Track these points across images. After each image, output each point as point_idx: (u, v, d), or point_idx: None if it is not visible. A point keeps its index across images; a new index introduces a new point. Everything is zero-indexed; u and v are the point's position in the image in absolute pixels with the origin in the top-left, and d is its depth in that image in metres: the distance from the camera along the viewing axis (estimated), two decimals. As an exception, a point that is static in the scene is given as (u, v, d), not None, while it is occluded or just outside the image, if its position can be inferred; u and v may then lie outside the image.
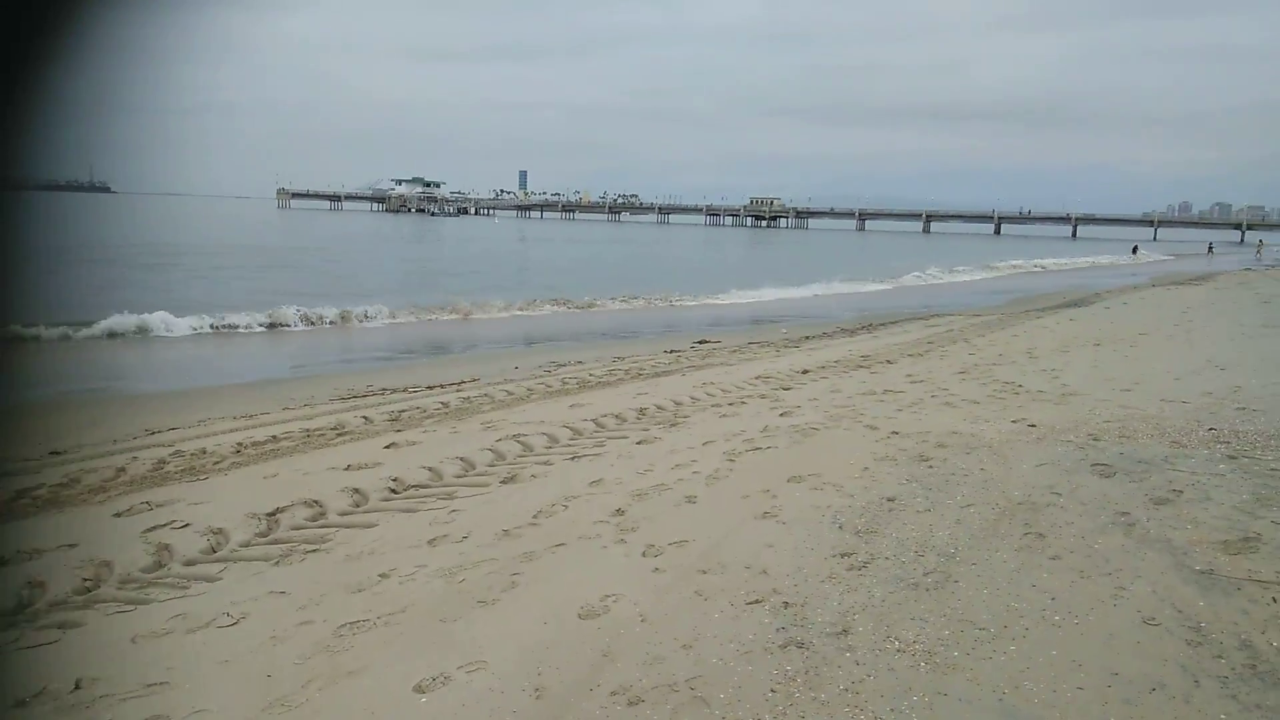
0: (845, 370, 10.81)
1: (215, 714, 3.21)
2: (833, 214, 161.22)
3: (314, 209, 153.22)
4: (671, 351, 13.63)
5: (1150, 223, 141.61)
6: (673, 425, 7.80)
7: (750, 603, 3.92)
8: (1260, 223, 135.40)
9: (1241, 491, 5.06)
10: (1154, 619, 3.61)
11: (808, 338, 15.54)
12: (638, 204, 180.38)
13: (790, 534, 4.78)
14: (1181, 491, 5.13)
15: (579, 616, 3.88)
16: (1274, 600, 3.71)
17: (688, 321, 20.26)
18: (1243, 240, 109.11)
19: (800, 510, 5.15)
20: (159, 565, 4.70)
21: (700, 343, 15.11)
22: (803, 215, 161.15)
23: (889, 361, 11.46)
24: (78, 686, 3.37)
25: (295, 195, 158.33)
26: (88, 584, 4.41)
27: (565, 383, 10.48)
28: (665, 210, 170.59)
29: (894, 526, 4.81)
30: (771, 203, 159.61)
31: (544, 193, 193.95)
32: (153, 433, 7.99)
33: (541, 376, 11.10)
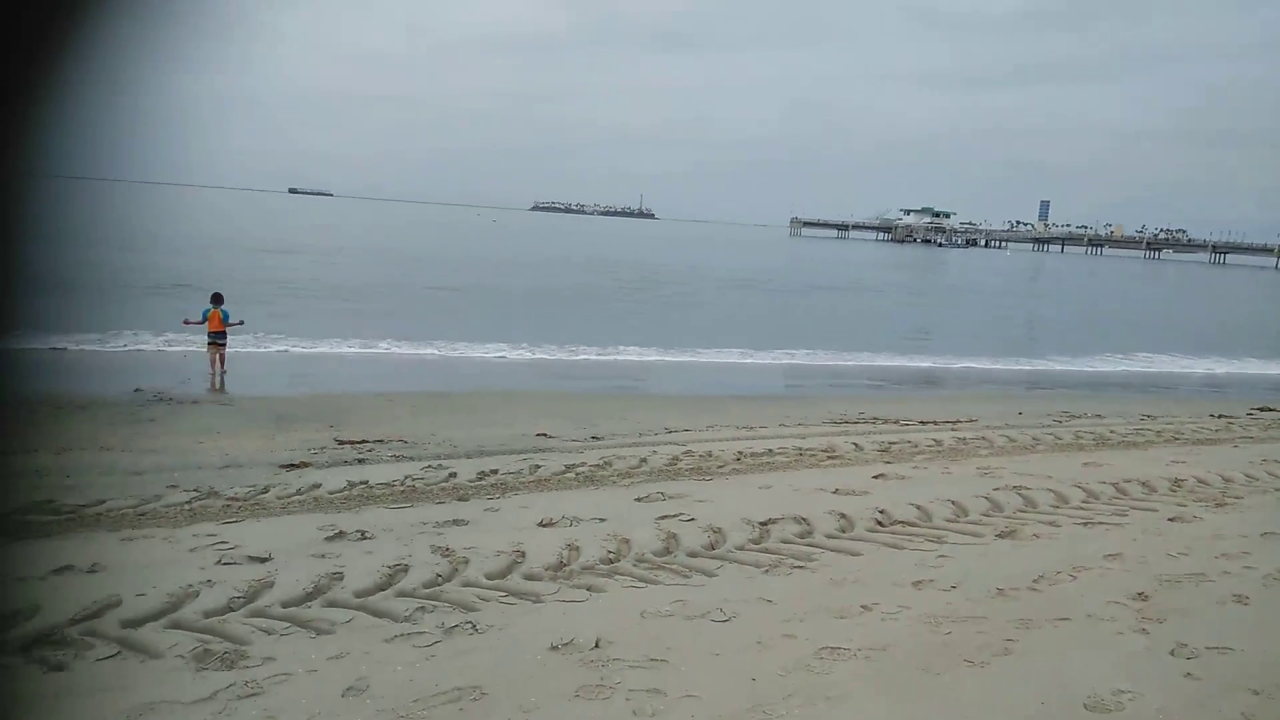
0: None
1: (704, 701, 3.43)
2: None
3: (822, 237, 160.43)
4: (1220, 416, 11.36)
5: None
6: (1219, 505, 6.47)
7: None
8: None
9: None
10: None
11: None
12: (1184, 240, 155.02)
13: (1402, 678, 3.60)
14: None
15: (1085, 707, 3.38)
16: None
17: (1240, 381, 16.77)
18: None
19: None
20: (667, 551, 5.22)
21: (1261, 409, 12.35)
22: None
23: None
24: (597, 645, 3.88)
25: (806, 224, 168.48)
26: (611, 555, 5.08)
27: (1079, 436, 9.35)
28: (1220, 249, 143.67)
29: None
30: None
31: (1067, 225, 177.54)
32: (671, 431, 9.00)
33: (1050, 426, 10.06)
